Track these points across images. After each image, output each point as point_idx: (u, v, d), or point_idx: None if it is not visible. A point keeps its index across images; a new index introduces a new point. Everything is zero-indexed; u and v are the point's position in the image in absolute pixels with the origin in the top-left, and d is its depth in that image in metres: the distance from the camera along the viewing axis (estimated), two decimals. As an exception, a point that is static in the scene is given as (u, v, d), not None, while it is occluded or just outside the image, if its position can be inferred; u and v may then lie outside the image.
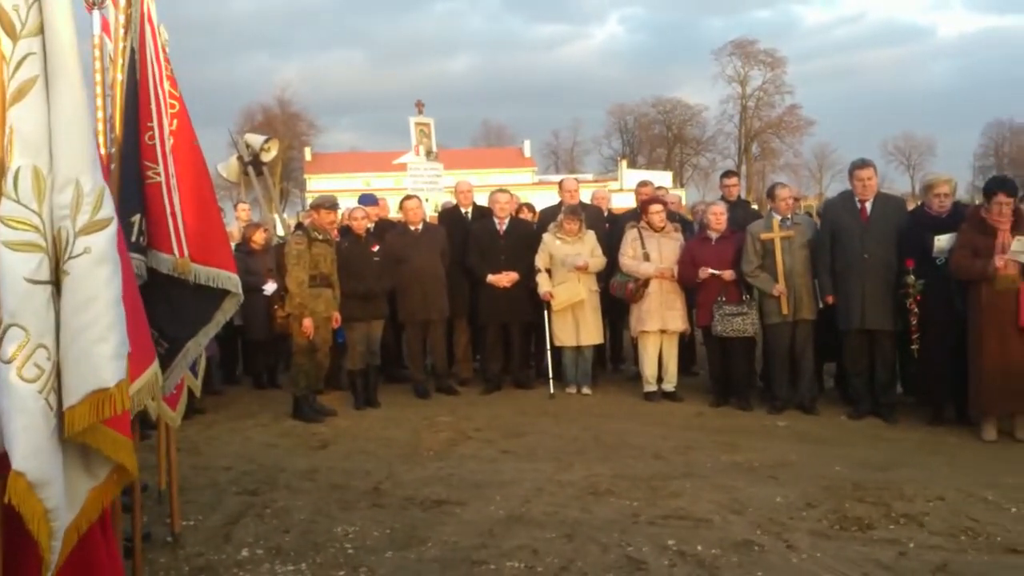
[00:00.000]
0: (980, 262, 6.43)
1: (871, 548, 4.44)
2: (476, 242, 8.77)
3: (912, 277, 6.87)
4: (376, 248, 8.25)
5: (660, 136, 70.07)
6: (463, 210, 9.44)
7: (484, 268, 8.62)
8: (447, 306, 8.66)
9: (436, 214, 11.19)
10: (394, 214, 10.77)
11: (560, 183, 9.61)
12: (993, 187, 6.63)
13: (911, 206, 7.90)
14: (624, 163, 55.29)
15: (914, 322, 6.90)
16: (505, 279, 8.53)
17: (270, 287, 8.71)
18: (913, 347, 6.97)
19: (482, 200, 9.48)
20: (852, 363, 7.45)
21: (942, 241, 6.81)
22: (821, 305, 7.50)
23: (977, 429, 6.67)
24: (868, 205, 7.25)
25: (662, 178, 46.37)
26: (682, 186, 57.72)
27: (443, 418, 7.63)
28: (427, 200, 14.63)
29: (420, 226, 8.78)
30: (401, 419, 7.62)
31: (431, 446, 6.70)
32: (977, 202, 7.75)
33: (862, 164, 7.36)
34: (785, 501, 5.19)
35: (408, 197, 9.20)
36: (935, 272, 6.80)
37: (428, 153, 17.13)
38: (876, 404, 7.31)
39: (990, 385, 6.43)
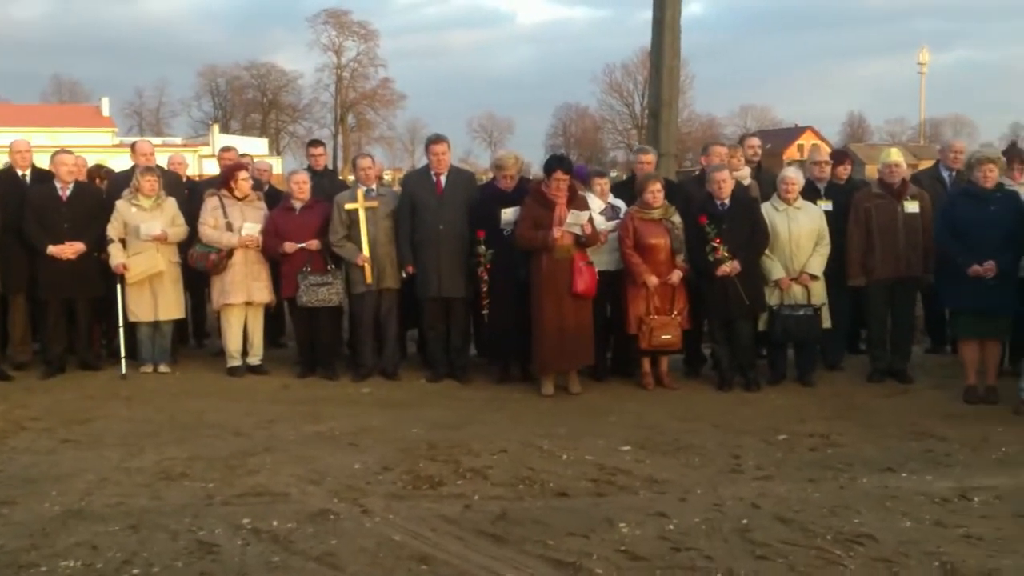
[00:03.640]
0: (540, 233, 7.03)
1: (440, 504, 4.70)
2: (34, 209, 7.82)
3: (482, 247, 7.35)
4: None
5: (255, 101, 68.35)
6: (20, 173, 8.36)
7: (44, 238, 7.73)
8: (-4, 281, 7.67)
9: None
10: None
11: (133, 146, 8.91)
12: (552, 164, 7.26)
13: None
14: (216, 127, 53.08)
15: (484, 289, 7.40)
16: (69, 250, 7.72)
17: None
18: (484, 312, 7.48)
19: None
20: (430, 328, 7.82)
21: (508, 214, 7.35)
22: (404, 274, 7.76)
23: (538, 385, 7.33)
24: (443, 179, 7.62)
25: (257, 145, 45.32)
26: (278, 154, 56.83)
27: (-8, 408, 6.78)
28: (-25, 160, 12.85)
29: (-43, 190, 7.66)
30: (-63, 413, 6.63)
31: (-26, 441, 5.91)
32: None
33: (436, 139, 7.71)
34: (363, 467, 5.31)
35: (-59, 156, 7.96)
36: (502, 242, 7.33)
37: (-22, 106, 15.01)
38: (452, 366, 7.76)
39: (548, 345, 7.10)
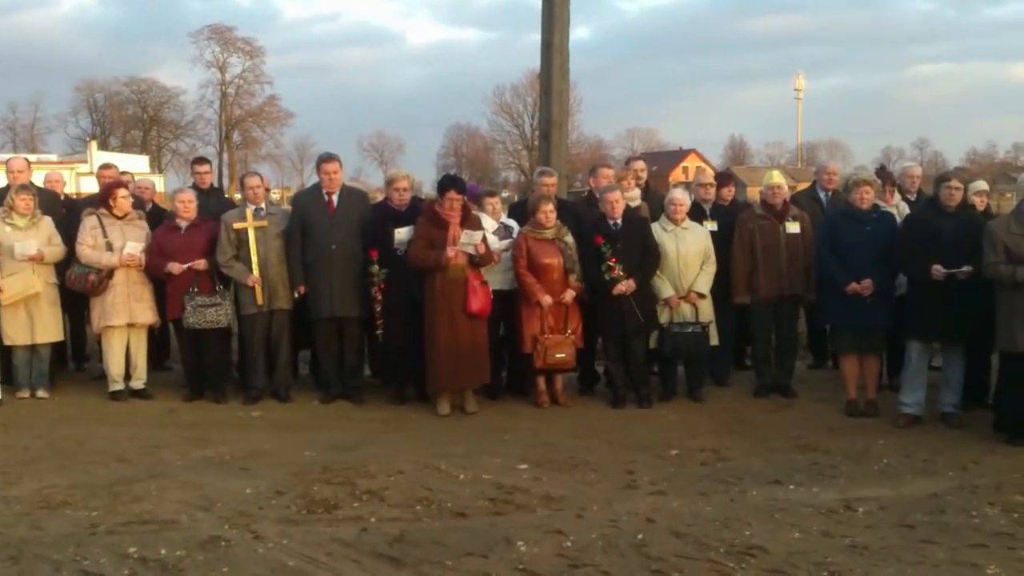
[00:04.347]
0: (434, 253, 7.03)
1: (335, 528, 4.61)
2: None
3: (376, 267, 7.29)
4: None
5: (135, 118, 66.08)
6: None
7: (-92, 259, 7.30)
8: None
9: None
10: None
11: (6, 163, 8.54)
12: (445, 184, 7.29)
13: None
14: (94, 144, 51.00)
15: (378, 309, 7.34)
16: (-64, 272, 7.33)
17: None
18: (378, 332, 7.41)
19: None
20: (323, 350, 7.71)
21: (401, 233, 7.32)
22: (296, 295, 7.61)
23: (434, 405, 7.29)
24: (335, 198, 7.54)
25: (138, 162, 43.77)
26: (161, 171, 55.10)
27: None
28: None
29: None
30: None
31: None
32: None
33: (328, 158, 7.64)
34: (255, 492, 5.18)
35: None
36: (396, 262, 7.28)
37: None
38: (346, 387, 7.64)
39: (443, 364, 7.08)
